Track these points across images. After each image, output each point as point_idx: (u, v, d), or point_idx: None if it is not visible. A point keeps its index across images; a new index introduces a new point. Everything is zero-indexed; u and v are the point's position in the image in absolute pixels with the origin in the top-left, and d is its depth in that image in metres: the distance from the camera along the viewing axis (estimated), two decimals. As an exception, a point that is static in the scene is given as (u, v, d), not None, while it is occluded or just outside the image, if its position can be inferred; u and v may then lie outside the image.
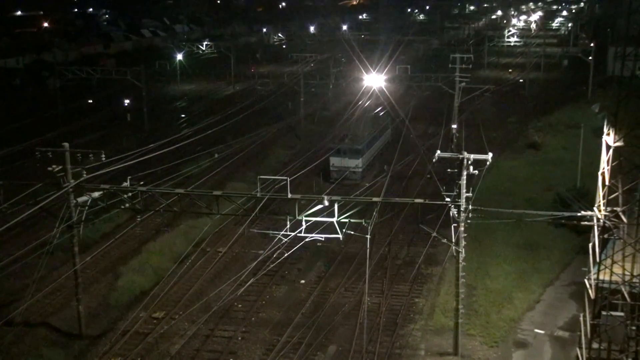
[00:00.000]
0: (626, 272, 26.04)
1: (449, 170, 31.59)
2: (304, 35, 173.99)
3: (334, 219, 31.70)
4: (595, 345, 27.49)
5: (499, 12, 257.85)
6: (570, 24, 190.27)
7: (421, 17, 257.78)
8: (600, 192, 27.89)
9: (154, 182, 41.18)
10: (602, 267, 26.62)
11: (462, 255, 30.88)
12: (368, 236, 31.59)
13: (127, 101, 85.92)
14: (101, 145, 58.70)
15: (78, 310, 34.15)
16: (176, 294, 38.48)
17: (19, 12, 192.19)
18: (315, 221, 32.30)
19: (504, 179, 56.09)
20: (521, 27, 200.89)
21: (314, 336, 33.95)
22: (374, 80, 68.81)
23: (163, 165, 48.06)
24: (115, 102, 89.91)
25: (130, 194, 33.67)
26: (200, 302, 36.50)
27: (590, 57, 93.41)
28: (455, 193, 29.98)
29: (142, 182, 35.76)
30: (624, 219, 26.76)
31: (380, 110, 70.39)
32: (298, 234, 32.71)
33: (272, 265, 39.46)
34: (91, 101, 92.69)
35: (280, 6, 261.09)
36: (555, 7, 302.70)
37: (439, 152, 31.16)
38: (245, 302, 37.73)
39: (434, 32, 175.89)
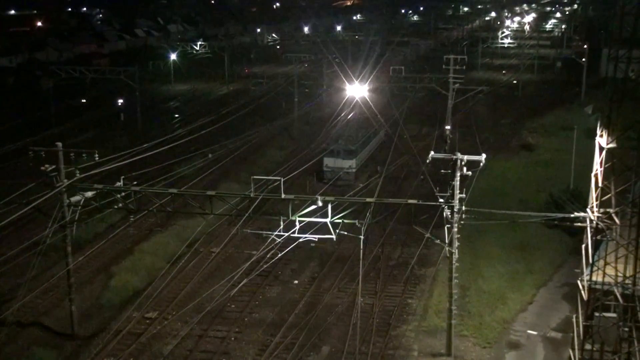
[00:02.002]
0: (619, 274, 26.12)
1: (442, 171, 31.63)
2: (298, 35, 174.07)
3: (328, 220, 31.69)
4: (587, 347, 27.57)
5: (493, 14, 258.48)
6: (563, 26, 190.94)
7: (415, 18, 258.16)
8: (593, 194, 27.96)
9: (147, 182, 41.06)
10: (595, 268, 26.69)
11: (455, 256, 30.91)
12: (361, 237, 31.56)
13: (120, 101, 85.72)
14: (94, 144, 58.50)
15: (70, 310, 34.05)
16: (169, 294, 38.41)
17: (12, 11, 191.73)
18: (309, 222, 32.29)
19: (498, 180, 56.18)
20: (515, 29, 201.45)
21: (307, 337, 33.94)
22: (358, 90, 66.97)
23: (156, 165, 47.94)
24: (108, 102, 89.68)
25: (123, 194, 33.61)
26: (194, 302, 36.45)
27: (583, 59, 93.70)
28: (448, 194, 30.01)
29: (135, 182, 35.67)
30: (617, 221, 26.84)
31: (366, 120, 69.95)
32: (292, 235, 32.69)
33: (265, 266, 39.45)
34: (84, 101, 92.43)
35: (275, 6, 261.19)
36: (548, 8, 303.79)
37: (432, 153, 31.19)
38: (239, 303, 37.69)
39: (428, 33, 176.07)
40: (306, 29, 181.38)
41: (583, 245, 29.07)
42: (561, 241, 43.33)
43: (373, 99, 66.34)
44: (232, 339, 34.23)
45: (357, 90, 65.75)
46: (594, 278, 26.80)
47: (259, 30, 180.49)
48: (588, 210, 28.51)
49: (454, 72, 65.51)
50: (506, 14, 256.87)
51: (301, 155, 64.76)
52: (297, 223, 32.26)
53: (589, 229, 28.25)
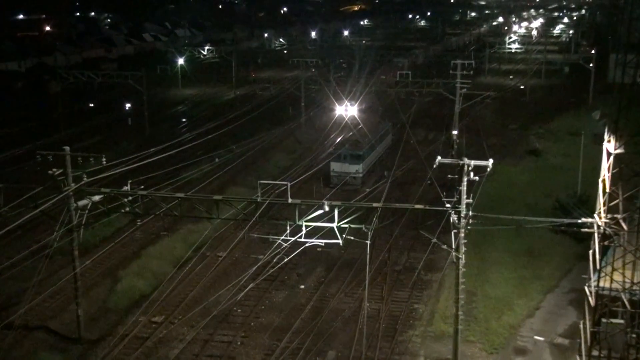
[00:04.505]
0: (626, 280, 26.02)
1: (449, 176, 31.54)
2: (305, 40, 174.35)
3: (334, 225, 31.65)
4: (595, 353, 27.45)
5: (500, 19, 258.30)
6: (571, 31, 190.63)
7: (422, 23, 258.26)
8: (600, 199, 27.87)
9: (154, 186, 41.15)
10: (602, 274, 26.61)
11: (462, 262, 30.81)
12: (368, 242, 31.54)
13: (128, 105, 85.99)
14: (102, 149, 58.67)
15: (77, 314, 34.10)
16: (175, 299, 38.45)
17: (21, 16, 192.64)
18: (315, 226, 32.25)
19: (505, 185, 56.03)
20: (522, 34, 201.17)
21: (313, 341, 33.91)
22: (348, 109, 65.01)
23: (164, 169, 48.05)
24: (116, 106, 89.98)
25: (130, 198, 33.65)
26: (200, 306, 36.44)
27: (591, 64, 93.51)
28: (455, 199, 29.93)
29: (142, 186, 35.74)
30: (625, 226, 26.74)
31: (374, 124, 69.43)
32: (298, 239, 32.66)
33: (271, 270, 39.47)
34: (92, 105, 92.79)
35: (282, 11, 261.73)
36: (556, 14, 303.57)
37: (439, 158, 31.13)
38: (245, 307, 37.70)
39: (435, 38, 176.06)
40: (313, 34, 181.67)
41: (590, 251, 28.97)
42: (568, 247, 43.17)
43: (364, 118, 65.73)
44: (239, 343, 34.22)
45: (348, 110, 64.77)
46: (601, 284, 26.71)
47: (266, 35, 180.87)
48: (595, 216, 28.41)
49: (461, 77, 65.45)
50: (513, 19, 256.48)
51: (308, 159, 64.76)
52: (303, 228, 32.24)
53: (596, 234, 28.13)
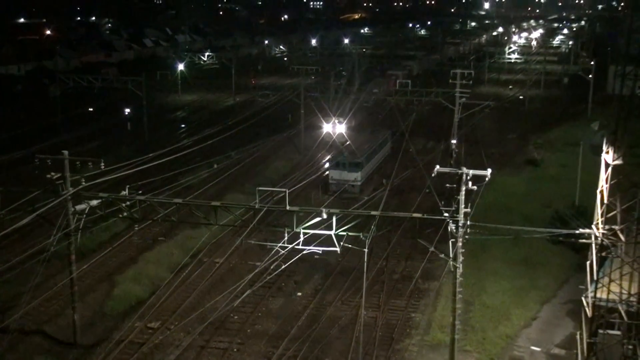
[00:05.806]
0: (623, 291, 26.02)
1: (447, 185, 31.56)
2: (305, 48, 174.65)
3: (332, 232, 31.66)
4: (591, 364, 27.43)
5: (500, 29, 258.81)
6: (570, 42, 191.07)
7: (422, 32, 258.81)
8: (598, 210, 27.90)
9: (152, 191, 41.14)
10: (599, 285, 26.60)
11: (459, 271, 30.79)
12: (366, 250, 31.52)
13: (127, 110, 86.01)
14: (101, 153, 58.70)
15: (73, 318, 34.02)
16: (172, 304, 38.37)
17: (22, 20, 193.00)
18: (313, 234, 32.26)
19: (503, 195, 56.04)
20: (522, 44, 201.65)
21: (309, 349, 33.84)
22: (335, 127, 65.14)
23: (162, 174, 48.01)
24: (115, 111, 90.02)
25: (128, 203, 33.64)
26: (196, 312, 36.38)
27: (590, 75, 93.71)
28: (453, 208, 29.92)
29: (140, 191, 35.71)
30: (622, 238, 26.76)
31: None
32: (296, 246, 32.64)
33: (269, 277, 39.39)
34: (92, 109, 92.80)
35: (282, 19, 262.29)
36: (556, 25, 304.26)
37: (438, 167, 31.15)
38: (241, 314, 37.63)
39: (435, 47, 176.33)
40: (313, 42, 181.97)
41: (588, 262, 28.99)
42: (566, 257, 43.19)
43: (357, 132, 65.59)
44: (235, 350, 34.15)
45: (336, 127, 64.64)
46: (598, 295, 26.70)
47: (266, 42, 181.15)
48: (593, 226, 28.43)
49: (460, 87, 65.53)
50: (513, 29, 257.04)
51: (307, 167, 64.78)
52: (301, 235, 32.22)
53: (594, 245, 28.16)
